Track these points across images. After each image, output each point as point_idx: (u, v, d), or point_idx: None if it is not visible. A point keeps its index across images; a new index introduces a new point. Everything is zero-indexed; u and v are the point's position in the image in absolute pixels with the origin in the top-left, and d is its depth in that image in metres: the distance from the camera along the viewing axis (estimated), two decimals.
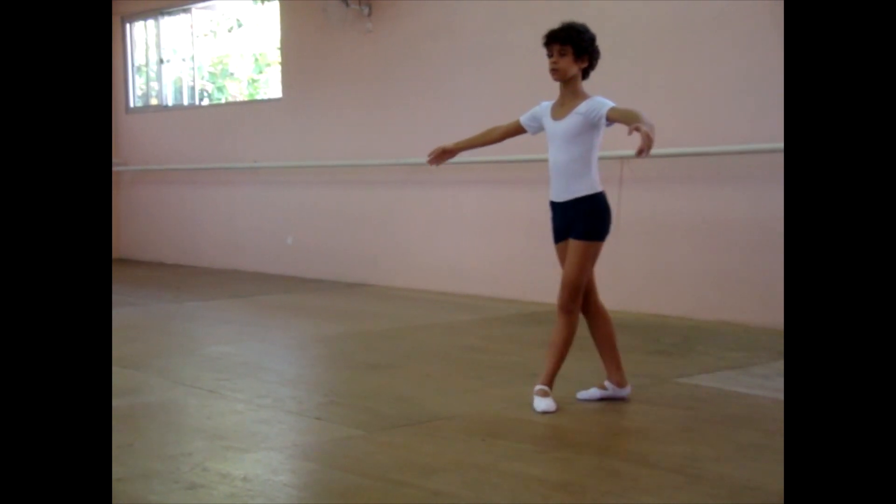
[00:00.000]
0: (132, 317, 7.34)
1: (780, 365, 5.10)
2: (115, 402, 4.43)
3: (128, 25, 11.98)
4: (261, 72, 13.65)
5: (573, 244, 4.17)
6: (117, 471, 3.40)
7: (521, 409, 4.24)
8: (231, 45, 13.27)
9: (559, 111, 4.20)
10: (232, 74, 13.89)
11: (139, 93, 12.15)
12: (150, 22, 11.77)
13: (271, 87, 12.44)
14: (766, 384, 4.67)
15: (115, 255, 12.17)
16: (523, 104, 7.64)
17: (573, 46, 4.12)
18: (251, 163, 10.27)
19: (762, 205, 6.44)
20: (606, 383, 4.39)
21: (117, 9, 11.95)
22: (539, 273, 7.72)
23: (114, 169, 12.07)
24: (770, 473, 3.32)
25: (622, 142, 7.14)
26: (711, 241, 6.71)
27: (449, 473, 3.36)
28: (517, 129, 4.45)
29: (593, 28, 4.26)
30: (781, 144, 6.15)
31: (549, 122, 4.24)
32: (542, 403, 4.16)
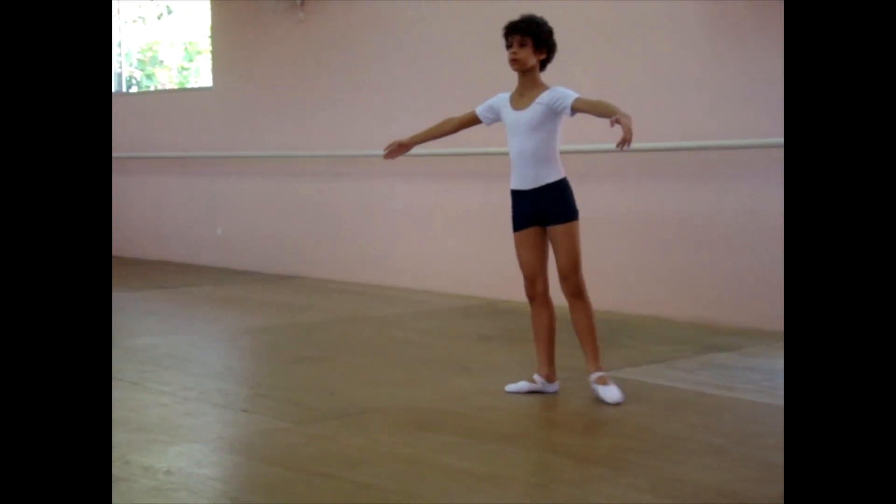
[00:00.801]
0: None
1: (703, 358, 5.21)
2: None
3: None
4: (191, 60, 13.42)
5: (560, 230, 4.24)
6: None
7: (451, 402, 4.26)
8: (161, 33, 13.03)
9: (519, 101, 4.27)
10: (161, 62, 13.64)
11: None
12: None
13: (202, 75, 12.25)
14: (689, 378, 4.76)
15: None
16: (456, 96, 7.67)
17: (533, 38, 4.20)
18: (181, 151, 10.10)
19: (690, 200, 6.54)
20: (536, 377, 4.40)
21: None
22: (472, 267, 7.75)
23: None
24: (693, 466, 3.38)
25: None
26: (637, 235, 6.80)
27: (376, 466, 3.36)
28: (472, 121, 4.49)
29: (562, 21, 4.37)
30: (716, 141, 6.26)
31: (509, 112, 4.30)
32: (612, 394, 4.19)
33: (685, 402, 4.30)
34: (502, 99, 4.37)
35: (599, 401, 4.20)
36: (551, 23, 4.33)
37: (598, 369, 4.28)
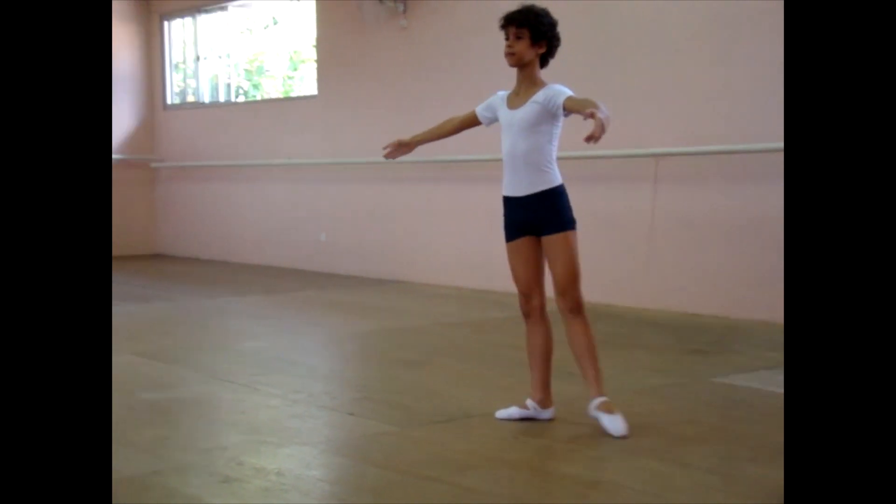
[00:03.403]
0: (168, 312, 7.41)
1: None
2: (151, 396, 4.48)
3: (166, 23, 12.09)
4: (295, 69, 13.72)
5: (555, 240, 3.88)
6: (153, 463, 3.43)
7: (554, 406, 4.22)
8: (267, 43, 13.34)
9: (515, 100, 3.95)
10: (267, 72, 13.96)
11: (176, 90, 12.26)
12: (188, 19, 11.87)
13: (305, 84, 12.49)
14: None
15: (151, 251, 12.30)
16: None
17: (530, 30, 3.85)
18: (285, 159, 10.32)
19: None
20: (529, 402, 4.00)
21: (156, 7, 12.07)
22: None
23: (151, 165, 12.19)
24: None
25: (656, 139, 7.11)
26: (747, 239, 6.65)
27: (482, 470, 3.36)
28: (473, 120, 4.19)
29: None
30: None
31: (504, 111, 3.98)
32: (617, 424, 3.74)
33: None
34: (500, 97, 4.05)
35: (603, 432, 3.76)
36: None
37: (601, 394, 3.83)
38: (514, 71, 3.98)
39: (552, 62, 4.01)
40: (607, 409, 3.79)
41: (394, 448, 3.65)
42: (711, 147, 6.73)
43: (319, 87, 10.10)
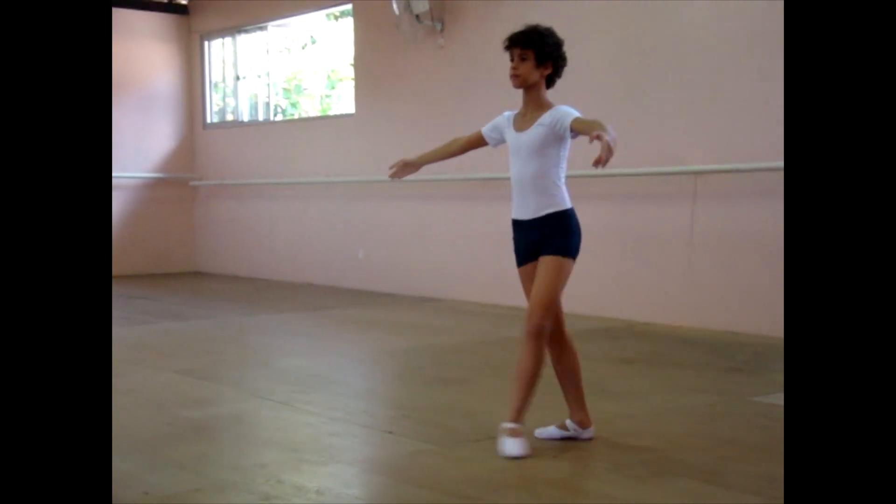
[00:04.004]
0: (207, 329, 7.48)
1: None
2: (190, 413, 4.52)
3: (206, 43, 12.25)
4: (333, 87, 13.82)
5: (546, 261, 3.80)
6: (194, 481, 3.46)
7: (593, 425, 4.20)
8: (305, 62, 13.47)
9: (522, 122, 3.90)
10: (305, 90, 14.09)
11: (216, 108, 12.40)
12: (228, 40, 12.02)
13: (343, 102, 12.58)
14: None
15: (190, 268, 12.42)
16: (591, 116, 7.62)
17: (535, 51, 3.81)
18: (323, 177, 10.40)
19: None
20: (568, 422, 3.98)
21: (196, 27, 12.23)
22: (611, 289, 7.66)
23: (190, 183, 12.33)
24: None
25: (695, 156, 7.07)
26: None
27: (522, 490, 3.35)
28: (479, 141, 4.16)
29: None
30: None
31: (511, 133, 3.93)
32: (514, 446, 3.67)
33: None
34: (507, 117, 4.00)
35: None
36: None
37: (515, 421, 3.73)
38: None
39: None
40: (511, 433, 3.71)
41: (432, 467, 3.65)
42: (751, 164, 6.68)
43: (357, 106, 10.18)
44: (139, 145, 11.97)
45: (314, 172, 10.57)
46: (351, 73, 10.64)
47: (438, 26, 8.91)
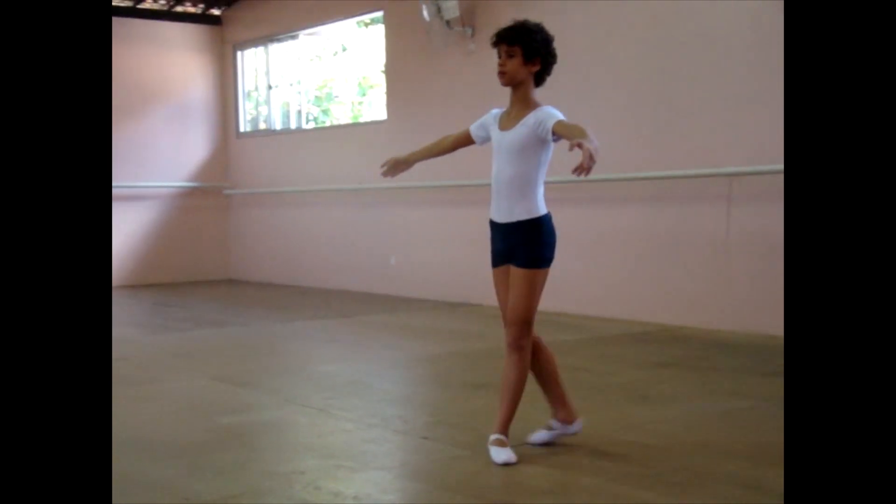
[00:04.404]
0: (243, 336, 7.53)
1: None
2: (227, 420, 4.55)
3: (239, 53, 12.36)
4: (364, 94, 13.89)
5: (517, 274, 3.74)
6: (232, 487, 3.48)
7: (629, 430, 4.19)
8: (336, 69, 13.54)
9: (507, 121, 3.80)
10: (336, 98, 14.16)
11: (249, 117, 12.50)
12: (260, 49, 12.12)
13: (374, 109, 12.63)
14: None
15: (224, 276, 12.53)
16: (624, 118, 7.59)
17: (522, 47, 3.70)
18: (355, 184, 10.43)
19: None
20: (552, 422, 3.98)
21: (229, 37, 12.34)
22: (645, 292, 7.62)
23: (224, 192, 12.44)
24: None
25: (730, 158, 7.02)
26: None
27: (558, 496, 3.34)
28: (466, 139, 4.07)
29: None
30: None
31: (496, 132, 3.83)
32: (502, 454, 3.69)
33: None
34: (494, 115, 3.91)
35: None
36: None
37: (501, 433, 3.76)
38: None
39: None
40: (499, 444, 3.74)
41: (468, 472, 3.64)
42: (782, 166, 6.62)
43: (388, 112, 10.21)
44: (174, 155, 12.11)
45: (346, 179, 10.62)
46: (382, 80, 10.68)
47: (469, 32, 8.92)
